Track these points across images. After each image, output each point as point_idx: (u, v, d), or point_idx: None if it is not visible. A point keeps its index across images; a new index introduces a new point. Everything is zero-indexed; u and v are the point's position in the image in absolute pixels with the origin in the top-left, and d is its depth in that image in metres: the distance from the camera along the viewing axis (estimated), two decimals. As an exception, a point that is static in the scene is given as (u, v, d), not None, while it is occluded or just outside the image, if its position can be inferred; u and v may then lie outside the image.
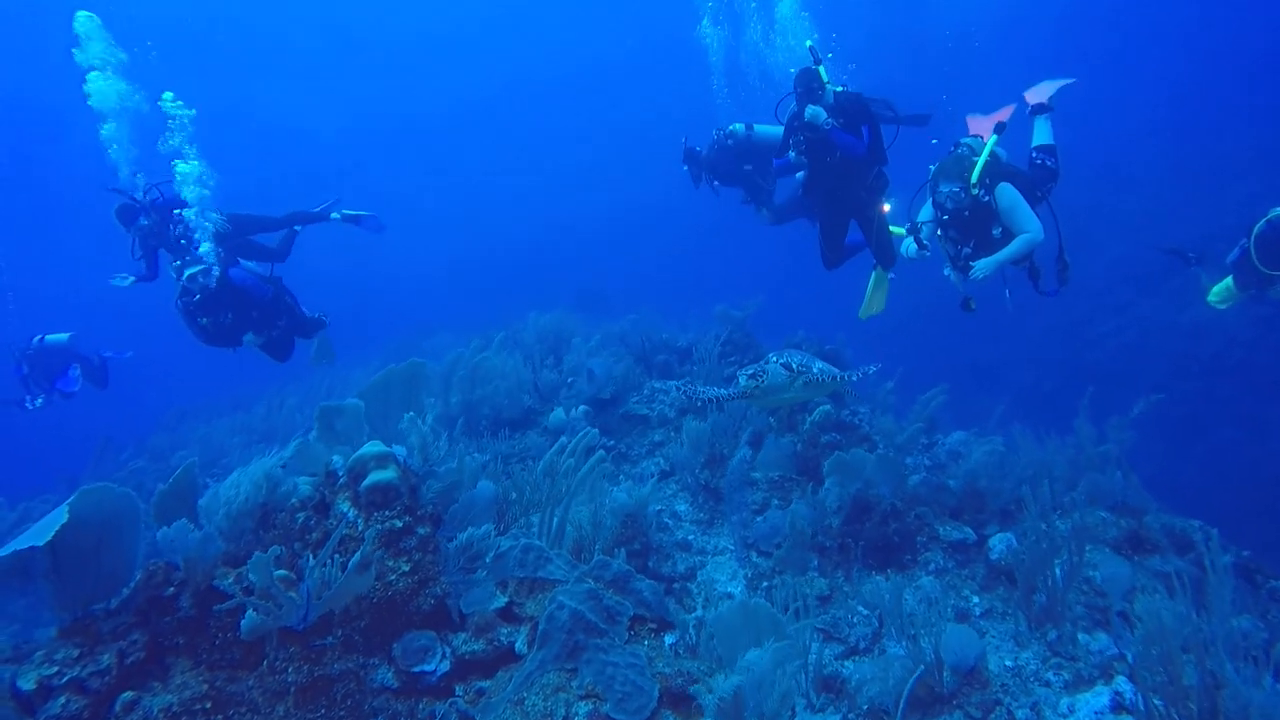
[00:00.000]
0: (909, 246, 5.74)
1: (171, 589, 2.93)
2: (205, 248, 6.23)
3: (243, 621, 2.67)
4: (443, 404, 7.51)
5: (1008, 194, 5.18)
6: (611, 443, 6.99)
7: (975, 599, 4.77)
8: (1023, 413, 8.09)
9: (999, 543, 5.00)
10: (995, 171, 5.26)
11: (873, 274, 6.76)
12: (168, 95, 6.80)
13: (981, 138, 5.71)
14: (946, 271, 5.77)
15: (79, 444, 11.08)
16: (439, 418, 7.38)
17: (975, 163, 5.21)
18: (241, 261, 6.59)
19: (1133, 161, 19.69)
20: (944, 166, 5.33)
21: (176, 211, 6.65)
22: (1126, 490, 5.62)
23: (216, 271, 6.03)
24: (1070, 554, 4.32)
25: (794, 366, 4.25)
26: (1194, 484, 11.59)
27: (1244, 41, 21.91)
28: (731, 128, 7.67)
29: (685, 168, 7.97)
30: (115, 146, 7.07)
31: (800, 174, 6.61)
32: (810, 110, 5.72)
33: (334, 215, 7.63)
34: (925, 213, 5.67)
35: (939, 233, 5.58)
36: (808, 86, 5.87)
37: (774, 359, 4.27)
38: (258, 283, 6.38)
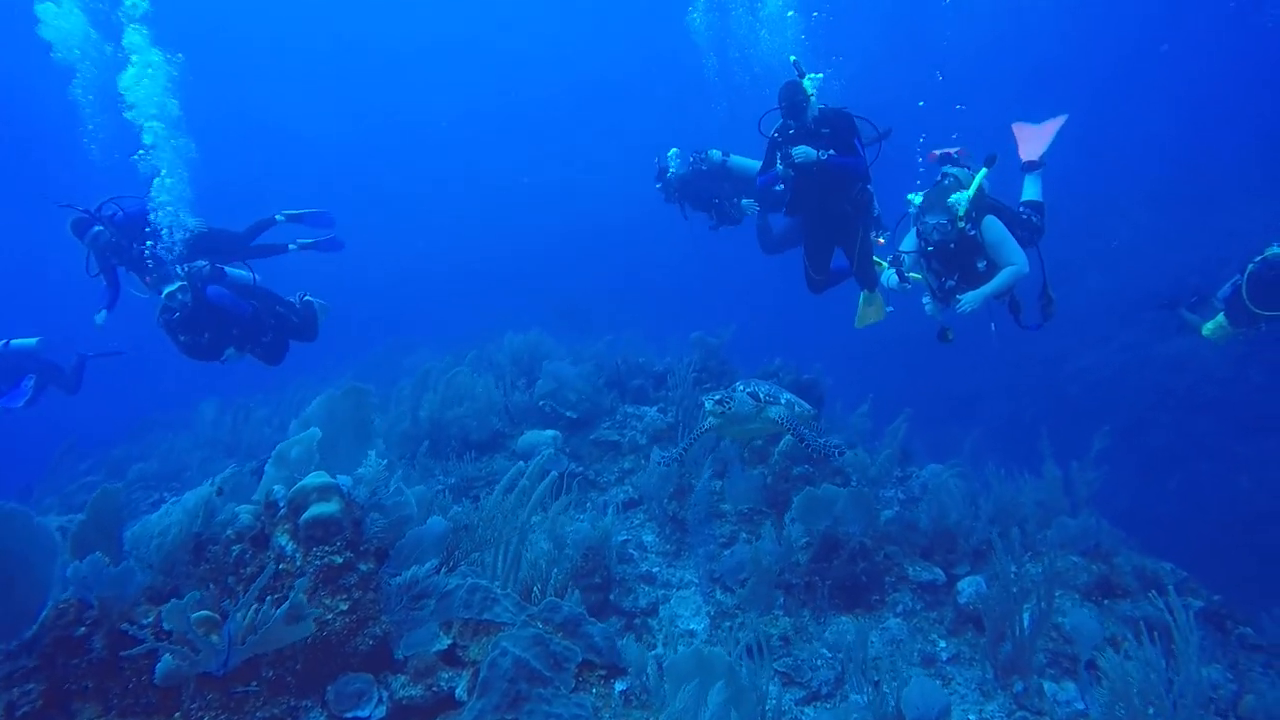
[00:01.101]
0: (890, 277, 5.69)
1: (83, 629, 2.74)
2: (175, 267, 6.10)
3: (157, 666, 2.50)
4: (410, 420, 7.36)
5: (994, 227, 5.14)
6: (580, 469, 6.85)
7: (942, 643, 4.65)
8: (1001, 445, 8.05)
9: (968, 586, 4.89)
10: (981, 205, 5.21)
11: (861, 294, 6.69)
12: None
13: (969, 169, 5.66)
14: (925, 302, 5.70)
15: (54, 449, 10.75)
16: (405, 435, 7.22)
17: (962, 195, 5.16)
18: (228, 271, 6.40)
19: (1116, 191, 19.90)
20: (930, 198, 5.27)
21: (152, 214, 6.50)
22: (1099, 533, 5.54)
23: (185, 286, 5.90)
24: (1040, 600, 4.22)
25: (761, 396, 4.24)
26: (1167, 517, 11.63)
27: (1235, 73, 22.29)
28: (709, 153, 7.70)
29: (658, 185, 7.96)
30: (87, 106, 6.84)
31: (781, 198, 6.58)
32: (800, 151, 5.68)
33: (278, 217, 7.48)
34: (908, 243, 5.61)
35: (921, 263, 5.52)
36: (792, 101, 5.83)
37: (741, 388, 4.22)
38: (235, 300, 6.21)
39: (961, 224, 5.04)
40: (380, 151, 41.44)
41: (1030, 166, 5.91)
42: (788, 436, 6.31)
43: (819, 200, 6.12)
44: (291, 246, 7.50)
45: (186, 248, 6.61)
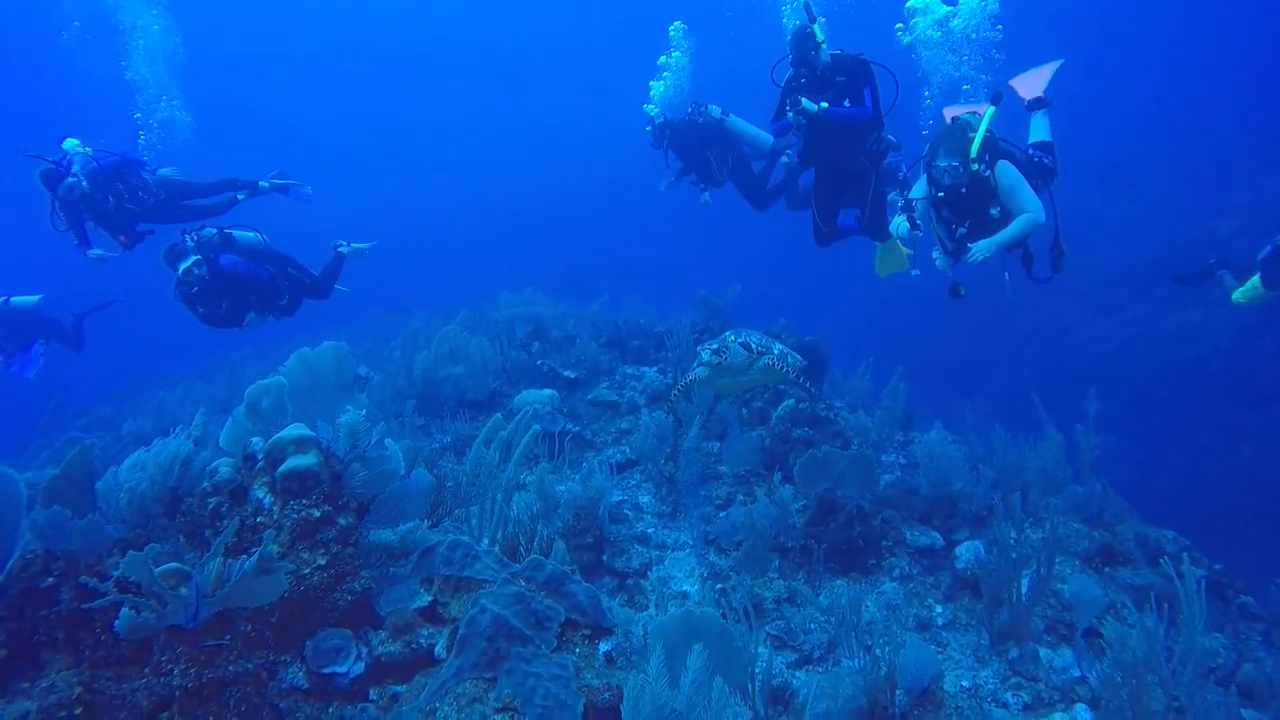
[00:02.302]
0: (900, 225, 5.37)
1: (51, 579, 2.66)
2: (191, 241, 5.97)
3: (116, 620, 2.40)
4: (404, 378, 7.27)
5: (1009, 172, 4.83)
6: (577, 428, 6.77)
7: (939, 608, 4.57)
8: (1005, 414, 7.92)
9: (966, 551, 4.79)
10: (994, 148, 4.91)
11: (878, 245, 6.48)
12: None
13: (977, 112, 5.37)
14: (935, 255, 5.41)
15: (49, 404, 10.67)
16: (398, 392, 7.14)
17: (973, 137, 4.82)
18: (236, 236, 6.28)
19: (1125, 161, 19.40)
20: (941, 139, 4.92)
21: (148, 171, 6.46)
22: (1103, 500, 5.42)
23: (200, 260, 5.84)
24: (1040, 566, 4.12)
25: (753, 347, 4.08)
26: (1171, 489, 11.54)
27: (1242, 41, 21.66)
28: (709, 108, 7.44)
29: (648, 128, 7.71)
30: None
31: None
32: (802, 101, 5.50)
33: (263, 184, 7.33)
34: (919, 189, 5.33)
35: (931, 212, 5.25)
36: (801, 46, 5.61)
37: (732, 338, 4.07)
38: (250, 267, 6.17)
39: (974, 165, 4.76)
40: (377, 119, 40.54)
41: (1036, 104, 5.64)
42: (789, 401, 6.20)
43: (830, 151, 5.93)
44: (240, 196, 7.35)
45: (158, 202, 6.61)
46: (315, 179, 7.79)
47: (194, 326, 6.45)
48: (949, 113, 5.83)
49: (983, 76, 5.82)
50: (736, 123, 7.49)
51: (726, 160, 7.56)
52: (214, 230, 6.15)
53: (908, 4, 5.86)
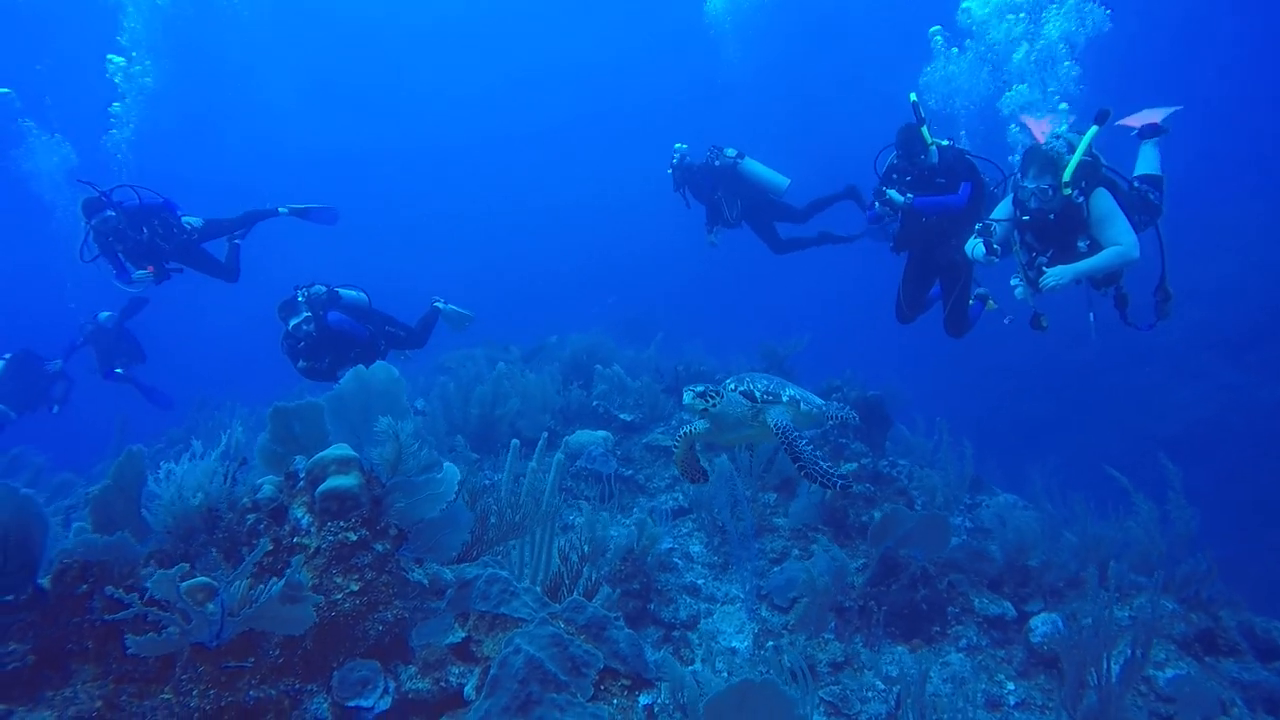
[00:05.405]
0: (976, 248, 5.01)
1: (85, 586, 2.63)
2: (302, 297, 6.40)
3: (127, 637, 2.32)
4: (461, 412, 7.29)
5: (1104, 201, 4.39)
6: (630, 472, 6.61)
7: (1011, 685, 4.17)
8: (1081, 479, 7.39)
9: (1042, 624, 4.37)
10: (1093, 174, 4.47)
11: None
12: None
13: (1077, 134, 4.75)
14: (1014, 283, 5.00)
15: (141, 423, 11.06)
16: (452, 426, 7.14)
17: (1070, 159, 4.41)
18: (342, 294, 6.64)
19: (1221, 219, 18.31)
20: (1033, 158, 4.52)
21: (187, 222, 6.97)
22: (1199, 579, 4.89)
23: (310, 317, 6.28)
24: (1135, 648, 3.70)
25: (758, 395, 3.24)
26: (1274, 574, 10.49)
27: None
28: (726, 150, 7.55)
29: (669, 171, 7.81)
30: None
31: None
32: (891, 194, 5.68)
33: (281, 210, 7.63)
34: (1002, 209, 4.92)
35: (1015, 236, 4.81)
36: (908, 147, 5.63)
37: (732, 385, 3.32)
38: (354, 325, 6.54)
39: (1067, 190, 4.35)
40: (443, 164, 42.09)
41: (1150, 131, 5.12)
42: (849, 465, 5.90)
43: (924, 239, 6.01)
44: (281, 210, 7.64)
45: (189, 241, 7.00)
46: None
47: (255, 357, 6.69)
48: (1030, 124, 5.57)
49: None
50: (751, 165, 7.55)
51: (736, 202, 7.58)
52: (323, 288, 6.52)
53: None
